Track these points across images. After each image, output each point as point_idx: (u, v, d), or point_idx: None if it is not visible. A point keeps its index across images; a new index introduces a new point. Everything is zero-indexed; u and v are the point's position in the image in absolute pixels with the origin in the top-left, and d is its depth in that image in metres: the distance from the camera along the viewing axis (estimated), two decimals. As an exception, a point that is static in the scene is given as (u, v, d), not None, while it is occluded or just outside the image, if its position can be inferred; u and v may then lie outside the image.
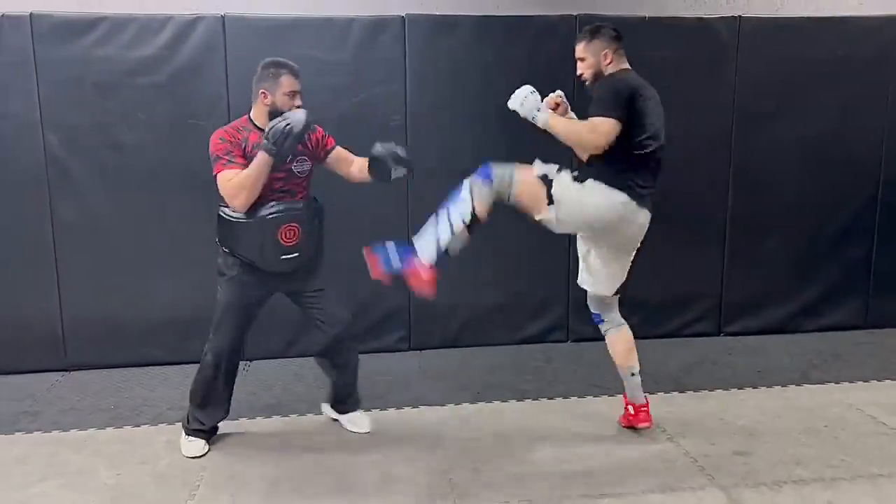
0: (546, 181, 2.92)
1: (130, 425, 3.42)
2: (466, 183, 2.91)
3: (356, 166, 3.19)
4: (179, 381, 3.93)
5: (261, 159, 2.83)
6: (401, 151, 3.04)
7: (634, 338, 3.28)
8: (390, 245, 2.89)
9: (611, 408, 3.53)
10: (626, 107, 2.78)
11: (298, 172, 3.03)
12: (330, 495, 2.79)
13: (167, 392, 3.81)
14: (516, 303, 4.47)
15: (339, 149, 3.20)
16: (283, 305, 4.17)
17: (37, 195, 3.94)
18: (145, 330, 4.13)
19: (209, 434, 3.19)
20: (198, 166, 3.99)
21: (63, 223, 3.99)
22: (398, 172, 3.07)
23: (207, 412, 3.16)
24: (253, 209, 2.90)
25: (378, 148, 3.04)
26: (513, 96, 2.95)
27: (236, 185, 2.84)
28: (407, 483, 2.87)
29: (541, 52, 4.23)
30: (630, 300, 4.49)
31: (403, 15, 4.11)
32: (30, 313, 4.04)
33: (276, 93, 2.93)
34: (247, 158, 2.90)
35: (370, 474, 2.93)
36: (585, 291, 4.56)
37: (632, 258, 3.15)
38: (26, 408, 3.62)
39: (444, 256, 2.85)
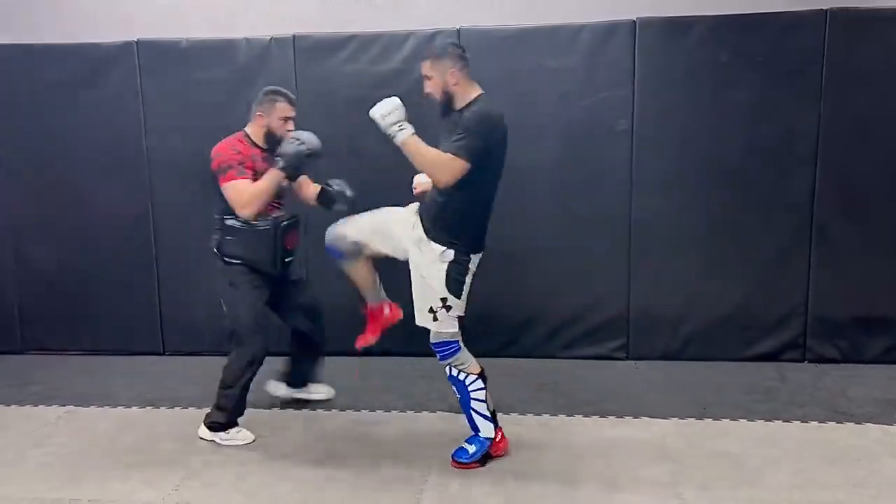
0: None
1: (367, 409, 3.70)
2: (449, 373, 3.07)
3: (311, 191, 3.52)
4: (407, 373, 4.20)
5: (275, 176, 3.15)
6: (349, 192, 3.43)
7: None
8: (468, 450, 3.07)
9: (857, 437, 3.23)
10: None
11: (287, 185, 3.35)
12: (553, 497, 2.82)
13: (398, 383, 4.07)
14: (748, 316, 4.22)
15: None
16: (500, 305, 4.34)
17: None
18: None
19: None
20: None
21: (321, 223, 4.40)
22: (340, 207, 3.41)
23: (241, 407, 3.38)
24: (258, 217, 3.22)
25: (333, 187, 3.43)
26: (379, 104, 2.85)
27: (251, 195, 3.15)
28: (632, 493, 2.82)
29: (784, 50, 3.98)
30: None
31: (634, 19, 4.05)
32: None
33: (272, 116, 3.26)
34: (252, 171, 3.20)
35: (592, 480, 2.93)
36: (828, 308, 4.27)
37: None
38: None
39: (491, 417, 3.08)
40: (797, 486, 2.84)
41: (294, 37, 4.25)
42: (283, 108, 3.29)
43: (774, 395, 3.77)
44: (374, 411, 3.68)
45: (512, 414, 3.60)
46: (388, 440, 3.35)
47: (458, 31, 4.14)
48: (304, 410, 3.71)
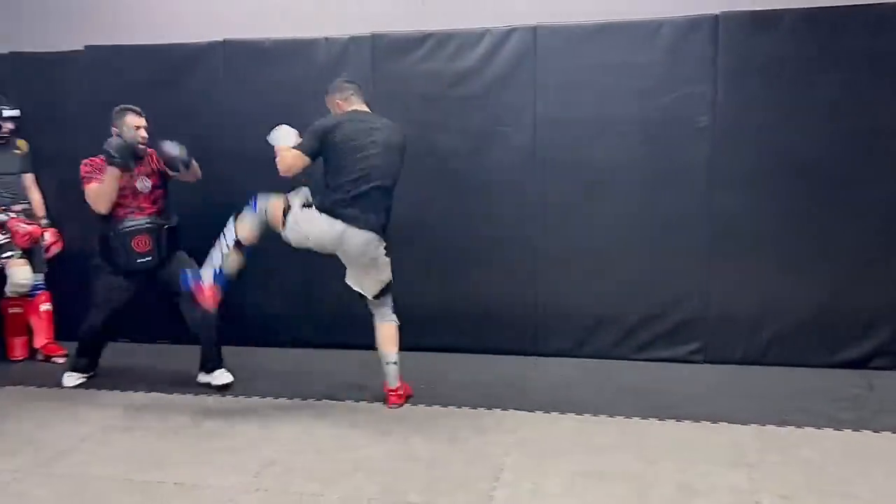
0: (287, 208, 3.53)
1: (440, 405, 3.73)
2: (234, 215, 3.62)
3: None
4: (478, 368, 4.21)
5: (108, 171, 3.77)
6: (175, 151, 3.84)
7: None
8: (190, 272, 3.68)
9: (955, 451, 3.07)
10: (314, 142, 3.43)
11: (141, 189, 3.92)
12: (627, 499, 2.78)
13: (468, 377, 4.09)
14: (834, 320, 4.05)
15: None
16: (573, 305, 4.30)
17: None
18: (453, 317, 4.48)
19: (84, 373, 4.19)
20: (504, 171, 4.27)
21: (399, 220, 4.46)
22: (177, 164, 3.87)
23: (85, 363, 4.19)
24: (112, 225, 3.88)
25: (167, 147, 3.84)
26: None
27: (94, 193, 3.82)
28: (709, 499, 2.75)
29: (876, 44, 3.80)
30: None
31: (717, 13, 3.95)
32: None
33: (123, 128, 3.87)
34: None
35: (666, 484, 2.87)
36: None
37: (376, 269, 3.60)
38: (354, 380, 4.12)
39: (220, 275, 3.58)
40: (888, 498, 2.71)
41: (372, 35, 4.31)
42: (131, 119, 3.89)
43: (862, 404, 3.61)
44: (446, 406, 3.71)
45: (584, 414, 3.57)
46: (461, 436, 3.37)
47: (535, 28, 4.12)
48: (377, 403, 3.77)
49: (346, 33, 4.35)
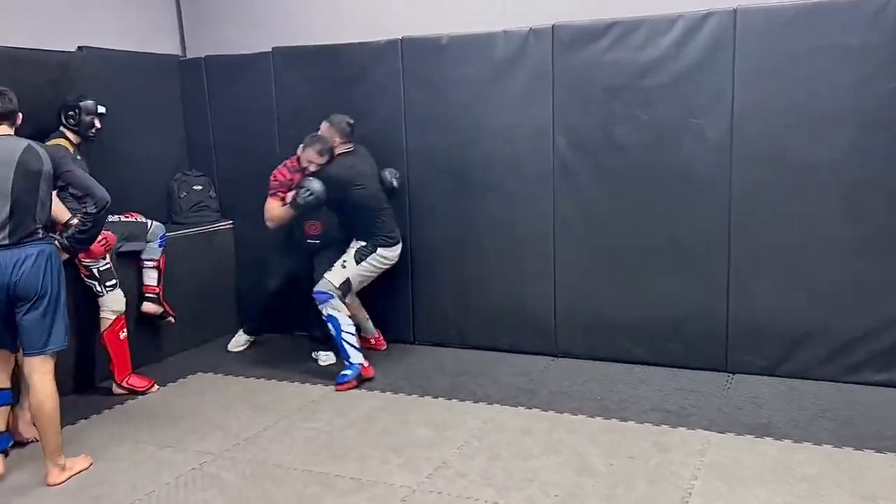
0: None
1: (617, 418, 3.49)
2: (324, 314, 4.06)
3: None
4: (660, 383, 3.91)
5: (288, 209, 4.07)
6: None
7: None
8: (346, 375, 4.03)
9: None
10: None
11: None
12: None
13: (648, 392, 3.81)
14: None
15: None
16: (773, 317, 3.87)
17: (543, 192, 4.30)
18: (631, 327, 4.21)
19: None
20: (695, 165, 3.94)
21: (563, 219, 4.28)
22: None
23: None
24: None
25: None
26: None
27: (270, 209, 4.11)
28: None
29: None
30: None
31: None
32: (529, 300, 4.45)
33: (305, 160, 4.07)
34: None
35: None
36: None
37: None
38: (524, 384, 3.98)
39: (354, 367, 4.03)
40: None
41: (553, 27, 4.13)
42: (310, 154, 4.04)
43: None
44: (624, 421, 3.46)
45: (784, 440, 3.19)
46: (642, 454, 3.12)
47: (735, 10, 3.75)
48: (551, 412, 3.59)
49: (526, 25, 4.21)
